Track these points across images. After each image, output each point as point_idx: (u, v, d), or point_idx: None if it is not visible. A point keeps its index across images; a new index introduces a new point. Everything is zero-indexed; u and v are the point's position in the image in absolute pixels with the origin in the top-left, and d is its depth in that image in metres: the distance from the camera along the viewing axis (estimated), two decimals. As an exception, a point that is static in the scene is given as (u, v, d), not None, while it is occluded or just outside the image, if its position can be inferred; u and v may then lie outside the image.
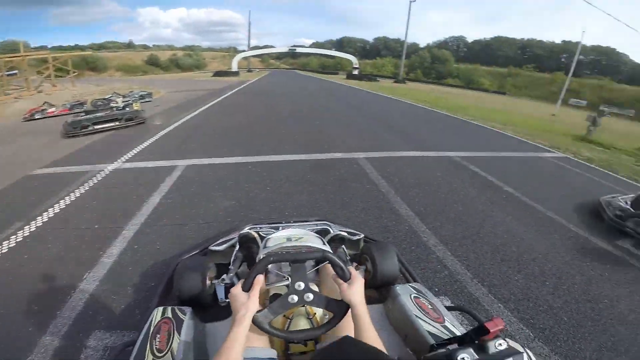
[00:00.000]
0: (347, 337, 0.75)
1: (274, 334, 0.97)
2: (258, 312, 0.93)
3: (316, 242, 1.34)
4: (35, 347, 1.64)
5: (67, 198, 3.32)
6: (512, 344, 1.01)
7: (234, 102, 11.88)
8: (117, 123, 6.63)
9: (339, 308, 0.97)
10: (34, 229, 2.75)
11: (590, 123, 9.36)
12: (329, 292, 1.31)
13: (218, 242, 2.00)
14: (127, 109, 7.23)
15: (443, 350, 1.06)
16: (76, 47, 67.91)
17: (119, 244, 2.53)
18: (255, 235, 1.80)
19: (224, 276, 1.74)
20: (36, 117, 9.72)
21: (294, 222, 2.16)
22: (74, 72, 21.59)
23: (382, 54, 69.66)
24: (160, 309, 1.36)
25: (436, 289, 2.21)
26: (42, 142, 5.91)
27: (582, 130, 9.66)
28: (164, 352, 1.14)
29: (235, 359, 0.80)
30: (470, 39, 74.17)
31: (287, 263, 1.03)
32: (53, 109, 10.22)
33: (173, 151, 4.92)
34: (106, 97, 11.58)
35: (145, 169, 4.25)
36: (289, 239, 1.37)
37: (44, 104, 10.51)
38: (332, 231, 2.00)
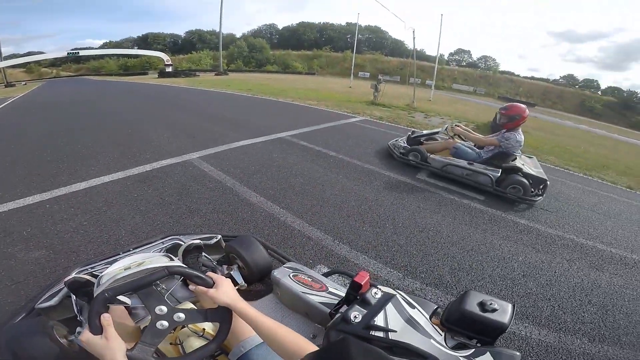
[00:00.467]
0: (346, 337, 0.73)
1: None
2: (130, 350, 0.84)
3: (161, 261, 1.23)
4: None
5: None
6: (385, 289, 1.18)
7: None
8: None
9: (221, 314, 0.93)
10: None
11: (374, 90, 12.30)
12: (211, 303, 1.29)
13: (45, 297, 1.68)
14: None
15: (338, 315, 1.16)
16: None
17: None
18: (88, 277, 1.54)
19: (79, 329, 1.49)
20: None
21: (135, 248, 1.96)
22: None
23: (197, 48, 65.38)
24: None
25: (311, 261, 2.43)
26: None
27: (370, 97, 12.56)
28: None
29: None
30: (280, 26, 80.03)
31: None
32: None
33: None
34: None
35: None
36: (127, 268, 1.21)
37: None
38: (183, 243, 1.86)
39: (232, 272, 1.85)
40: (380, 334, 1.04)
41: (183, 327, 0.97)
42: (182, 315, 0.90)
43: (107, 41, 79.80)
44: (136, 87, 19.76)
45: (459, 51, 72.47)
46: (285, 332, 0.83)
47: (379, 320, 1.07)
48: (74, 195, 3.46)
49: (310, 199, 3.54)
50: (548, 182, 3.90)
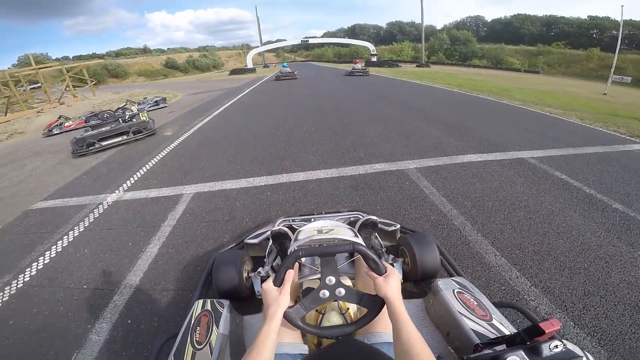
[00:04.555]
0: (347, 338, 0.81)
1: (306, 330, 0.92)
2: (290, 307, 0.89)
3: (347, 234, 1.36)
4: None
5: (59, 243, 2.85)
6: (570, 346, 0.88)
7: (250, 102, 11.01)
8: (124, 137, 5.94)
9: (373, 304, 0.89)
10: (21, 285, 2.37)
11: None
12: (364, 286, 1.25)
13: (253, 235, 2.02)
14: (134, 119, 6.49)
15: (489, 351, 0.96)
16: (94, 56, 69.46)
17: (109, 315, 1.99)
18: (287, 230, 1.75)
19: (260, 269, 1.74)
20: (55, 132, 9.39)
21: (326, 213, 2.17)
22: (92, 82, 21.56)
23: (397, 39, 66.54)
24: (200, 301, 1.36)
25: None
26: (51, 164, 5.58)
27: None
28: (203, 344, 1.14)
29: (267, 356, 0.76)
30: (488, 18, 70.88)
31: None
32: (70, 123, 9.84)
33: (180, 173, 4.10)
34: (120, 105, 11.09)
35: (146, 200, 3.48)
36: (319, 231, 1.39)
37: (59, 118, 10.13)
38: (362, 217, 1.89)
39: (395, 264, 1.79)
40: None
41: (335, 300, 0.95)
42: (342, 291, 0.90)
43: (326, 31, 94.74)
44: (347, 76, 21.54)
45: None
46: (421, 347, 0.74)
47: None
48: (292, 186, 3.39)
49: (582, 281, 2.03)
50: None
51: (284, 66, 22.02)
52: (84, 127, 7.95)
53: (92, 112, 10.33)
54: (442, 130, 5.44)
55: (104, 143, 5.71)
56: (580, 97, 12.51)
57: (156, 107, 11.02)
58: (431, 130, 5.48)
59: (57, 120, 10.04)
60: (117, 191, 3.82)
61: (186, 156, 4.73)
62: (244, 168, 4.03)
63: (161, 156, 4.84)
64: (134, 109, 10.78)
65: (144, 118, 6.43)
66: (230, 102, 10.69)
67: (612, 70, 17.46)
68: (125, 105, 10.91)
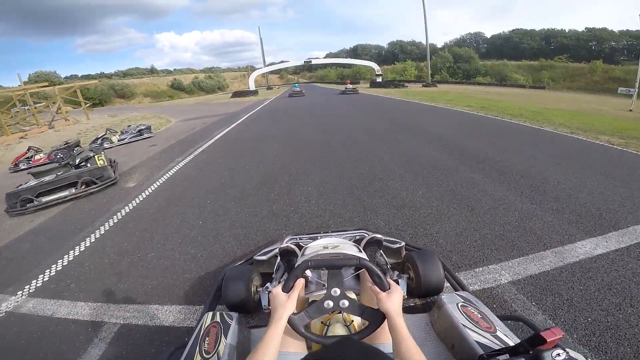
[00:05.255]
0: (347, 337, 0.83)
1: (308, 337, 0.94)
2: (295, 314, 0.91)
3: (352, 250, 1.41)
4: None
5: None
6: (573, 354, 0.85)
7: (246, 131, 9.63)
8: (73, 190, 4.43)
9: (374, 317, 0.93)
10: None
11: None
12: (369, 300, 1.23)
13: (262, 252, 2.01)
14: (89, 164, 5.00)
15: None
16: (102, 75, 69.90)
17: None
18: (295, 248, 1.77)
19: (268, 284, 1.70)
20: (22, 167, 8.02)
21: (332, 232, 2.22)
22: (86, 103, 20.53)
23: (399, 58, 66.32)
24: (210, 313, 1.37)
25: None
26: (-17, 224, 4.20)
27: None
28: (211, 354, 1.14)
29: (270, 358, 0.77)
30: (488, 34, 71.16)
31: (326, 271, 1.01)
32: (40, 156, 8.44)
33: (112, 274, 2.53)
34: (99, 135, 9.77)
35: (49, 322, 2.06)
36: (325, 247, 1.43)
37: (28, 149, 8.76)
38: (367, 235, 1.91)
39: (400, 280, 1.72)
40: None
41: (339, 312, 0.99)
42: (346, 302, 0.94)
43: (328, 52, 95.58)
44: (356, 98, 20.42)
45: None
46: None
47: None
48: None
49: None
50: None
51: (294, 86, 28.73)
52: (48, 164, 6.51)
53: (66, 143, 8.92)
54: (512, 189, 3.68)
55: (45, 199, 4.24)
56: (612, 117, 11.14)
57: (139, 137, 9.64)
58: (498, 189, 3.69)
59: (26, 153, 8.69)
60: (20, 292, 2.42)
61: (133, 238, 3.10)
62: (208, 279, 2.33)
63: (101, 232, 3.30)
64: (115, 139, 9.46)
65: (100, 163, 4.89)
66: (221, 134, 9.23)
67: (637, 84, 16.20)
68: (105, 135, 9.59)
